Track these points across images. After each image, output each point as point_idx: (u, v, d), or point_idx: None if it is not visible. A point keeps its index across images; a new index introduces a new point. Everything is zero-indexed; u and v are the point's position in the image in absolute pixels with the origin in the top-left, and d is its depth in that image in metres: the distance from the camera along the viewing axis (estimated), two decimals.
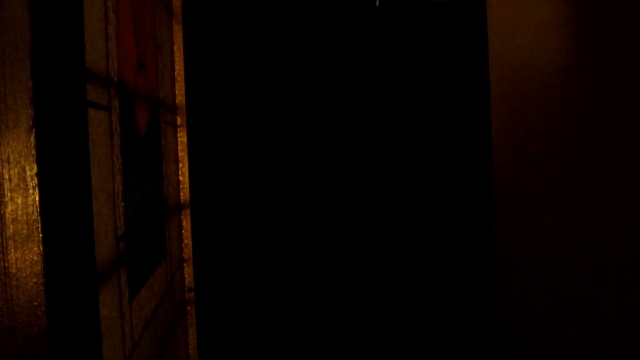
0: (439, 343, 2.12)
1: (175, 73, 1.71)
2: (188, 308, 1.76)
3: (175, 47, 1.70)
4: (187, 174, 1.72)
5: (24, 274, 0.59)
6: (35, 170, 0.58)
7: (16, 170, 0.58)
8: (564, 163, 1.79)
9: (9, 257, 0.59)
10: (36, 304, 0.59)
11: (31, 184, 0.58)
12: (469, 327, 2.09)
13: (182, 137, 1.72)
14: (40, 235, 0.59)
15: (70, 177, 0.67)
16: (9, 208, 0.58)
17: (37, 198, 0.58)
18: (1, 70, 0.57)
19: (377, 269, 2.13)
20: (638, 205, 1.58)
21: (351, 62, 2.11)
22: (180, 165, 1.72)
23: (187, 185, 1.72)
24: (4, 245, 0.59)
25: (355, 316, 2.11)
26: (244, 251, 2.03)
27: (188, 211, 1.74)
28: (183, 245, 1.74)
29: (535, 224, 1.87)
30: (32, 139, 0.58)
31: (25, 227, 0.59)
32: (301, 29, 2.08)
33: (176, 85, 1.71)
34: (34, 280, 0.59)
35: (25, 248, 0.59)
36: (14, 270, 0.59)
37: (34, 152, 0.58)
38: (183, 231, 1.73)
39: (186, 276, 1.75)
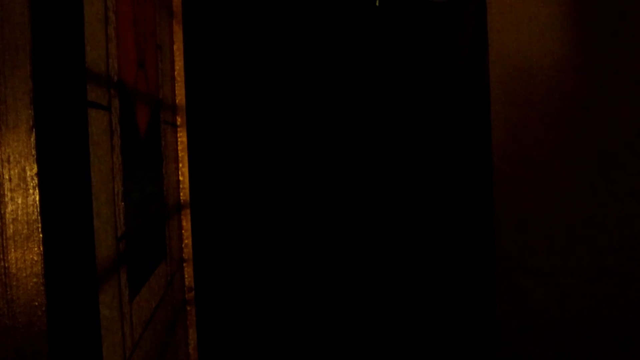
0: (438, 344, 2.12)
1: (175, 73, 1.71)
2: (188, 308, 1.76)
3: (175, 47, 1.70)
4: (187, 174, 1.72)
5: (24, 274, 0.59)
6: (35, 170, 0.58)
7: (16, 170, 0.58)
8: (564, 163, 1.79)
9: (9, 257, 0.59)
10: (36, 304, 0.59)
11: (31, 184, 0.58)
12: (468, 328, 2.09)
13: (182, 137, 1.72)
14: (40, 235, 0.59)
15: (70, 177, 0.67)
16: (9, 208, 0.58)
17: (37, 198, 0.58)
18: (1, 70, 0.57)
19: (378, 270, 2.13)
20: (639, 205, 1.58)
21: (351, 62, 2.11)
22: (180, 165, 1.72)
23: (187, 185, 1.72)
24: (4, 245, 0.59)
25: (355, 316, 2.11)
26: (244, 251, 2.03)
27: (188, 211, 1.74)
28: (183, 245, 1.74)
29: (535, 224, 1.88)
30: (32, 139, 0.58)
31: (25, 227, 0.59)
32: (301, 29, 2.08)
33: (176, 85, 1.71)
34: (34, 280, 0.59)
35: (25, 248, 0.59)
36: (14, 270, 0.59)
37: (34, 152, 0.58)
38: (183, 231, 1.73)
39: (186, 276, 1.75)
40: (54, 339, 0.59)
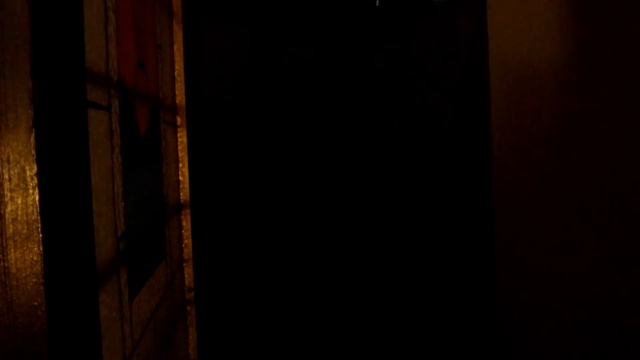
0: (439, 343, 2.12)
1: (175, 73, 1.71)
2: (188, 308, 1.76)
3: (175, 47, 1.70)
4: (187, 174, 1.72)
5: (24, 274, 0.59)
6: (35, 170, 0.58)
7: (16, 170, 0.58)
8: (565, 163, 1.79)
9: (9, 257, 0.59)
10: (36, 304, 0.58)
11: (31, 184, 0.58)
12: (468, 327, 2.09)
13: (182, 137, 1.72)
14: (40, 235, 0.58)
15: (70, 177, 0.67)
16: (9, 208, 0.58)
17: (37, 198, 0.58)
18: (1, 70, 0.57)
19: (377, 269, 2.13)
20: (638, 203, 1.58)
21: (351, 62, 2.11)
22: (180, 165, 1.72)
23: (187, 185, 1.72)
24: (4, 245, 0.58)
25: (355, 316, 2.11)
26: (244, 251, 2.03)
27: (188, 211, 1.74)
28: (183, 245, 1.74)
29: (535, 223, 1.87)
30: (32, 139, 0.58)
31: (25, 227, 0.58)
32: (301, 29, 2.08)
33: (176, 85, 1.71)
34: (34, 280, 0.59)
35: (25, 248, 0.59)
36: (14, 270, 0.59)
37: (34, 152, 0.58)
38: (183, 231, 1.73)
39: (186, 276, 1.75)
40: (53, 339, 0.59)
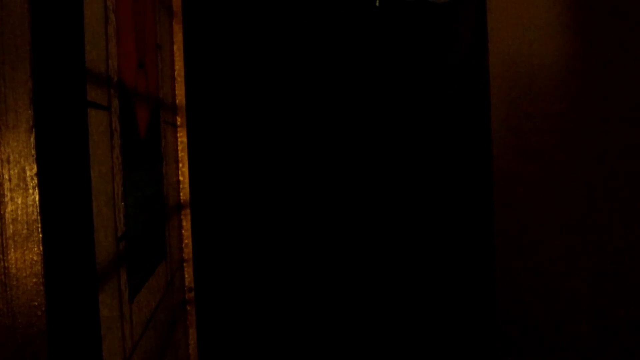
0: (438, 344, 2.12)
1: (175, 73, 1.71)
2: (188, 308, 1.76)
3: (175, 47, 1.71)
4: (187, 174, 1.72)
5: (24, 274, 0.59)
6: (35, 170, 0.58)
7: (16, 170, 0.58)
8: (565, 163, 1.79)
9: (9, 257, 0.59)
10: (36, 304, 0.59)
11: (31, 184, 0.58)
12: (468, 328, 2.09)
13: (182, 137, 1.72)
14: (40, 235, 0.58)
15: (70, 177, 0.67)
16: (9, 208, 0.58)
17: (37, 198, 0.58)
18: (1, 70, 0.57)
19: (377, 270, 2.13)
20: (638, 203, 1.58)
21: (351, 62, 2.11)
22: (180, 165, 1.72)
23: (187, 185, 1.72)
24: (4, 245, 0.58)
25: (355, 317, 2.11)
26: (244, 251, 2.03)
27: (188, 211, 1.74)
28: (183, 245, 1.74)
29: (535, 224, 1.87)
30: (32, 139, 0.58)
31: (25, 227, 0.58)
32: (301, 29, 2.08)
33: (176, 85, 1.71)
34: (34, 280, 0.59)
35: (25, 248, 0.59)
36: (14, 270, 0.59)
37: (34, 152, 0.58)
38: (183, 231, 1.73)
39: (186, 276, 1.75)
40: (53, 339, 0.59)
